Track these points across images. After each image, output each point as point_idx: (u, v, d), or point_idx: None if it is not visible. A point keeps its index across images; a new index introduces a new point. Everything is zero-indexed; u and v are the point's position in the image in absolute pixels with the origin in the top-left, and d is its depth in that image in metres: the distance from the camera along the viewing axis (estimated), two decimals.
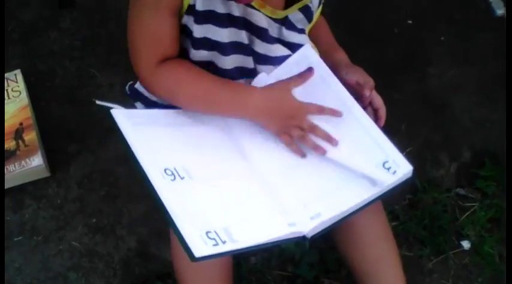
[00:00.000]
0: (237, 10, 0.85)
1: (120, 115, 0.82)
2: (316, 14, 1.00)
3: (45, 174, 1.33)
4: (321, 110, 0.86)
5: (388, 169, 0.82)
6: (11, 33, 1.58)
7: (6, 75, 1.43)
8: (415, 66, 1.59)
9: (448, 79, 1.58)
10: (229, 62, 0.89)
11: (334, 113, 0.86)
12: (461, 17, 1.71)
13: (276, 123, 0.86)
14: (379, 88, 0.96)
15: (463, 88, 1.56)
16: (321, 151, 0.85)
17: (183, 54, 0.89)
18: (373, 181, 0.83)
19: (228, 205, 0.79)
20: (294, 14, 0.92)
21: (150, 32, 0.83)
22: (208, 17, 0.84)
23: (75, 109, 1.44)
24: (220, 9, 0.84)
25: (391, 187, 0.82)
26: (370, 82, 0.94)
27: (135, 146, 0.77)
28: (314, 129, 0.85)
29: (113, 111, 0.81)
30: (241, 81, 0.92)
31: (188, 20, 0.85)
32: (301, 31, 0.95)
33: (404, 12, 1.70)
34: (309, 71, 0.87)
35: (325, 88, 0.89)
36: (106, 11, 1.64)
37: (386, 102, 0.96)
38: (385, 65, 1.56)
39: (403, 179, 0.83)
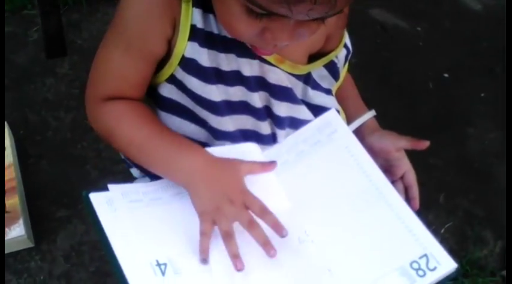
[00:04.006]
0: (248, 68, 0.75)
1: (100, 200, 0.70)
2: (343, 72, 0.89)
3: (28, 244, 1.19)
4: (262, 213, 0.70)
5: (427, 265, 0.72)
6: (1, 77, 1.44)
7: None
8: (452, 126, 1.47)
9: (490, 142, 1.46)
10: (235, 122, 0.78)
11: (277, 229, 0.69)
12: (503, 70, 1.56)
13: (208, 198, 0.70)
14: (411, 152, 0.83)
15: (507, 154, 1.40)
16: (238, 267, 0.68)
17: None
18: (410, 279, 0.71)
19: None
20: (318, 71, 0.82)
21: (111, 67, 0.75)
22: (214, 74, 0.74)
23: (67, 167, 1.32)
24: (226, 66, 0.74)
25: None
26: (401, 143, 0.83)
27: (114, 243, 0.67)
28: (253, 228, 0.68)
29: (91, 195, 0.69)
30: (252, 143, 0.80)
31: (184, 76, 0.74)
32: (328, 92, 0.84)
33: (439, 64, 1.58)
34: (271, 163, 0.75)
35: (350, 162, 0.79)
36: None
37: (420, 169, 0.84)
38: (418, 125, 1.43)
39: (444, 276, 0.72)
